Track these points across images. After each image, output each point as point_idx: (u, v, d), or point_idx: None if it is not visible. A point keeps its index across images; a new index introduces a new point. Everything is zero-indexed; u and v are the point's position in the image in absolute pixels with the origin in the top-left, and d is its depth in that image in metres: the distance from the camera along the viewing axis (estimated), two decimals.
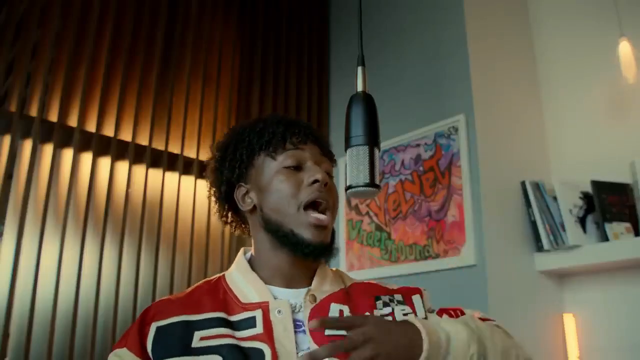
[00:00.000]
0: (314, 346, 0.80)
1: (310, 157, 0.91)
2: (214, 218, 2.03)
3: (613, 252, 1.70)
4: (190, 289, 0.92)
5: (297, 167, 0.90)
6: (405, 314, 0.89)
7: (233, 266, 0.94)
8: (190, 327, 0.81)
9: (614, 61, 1.83)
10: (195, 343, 0.80)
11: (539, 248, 1.84)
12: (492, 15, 2.11)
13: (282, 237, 0.87)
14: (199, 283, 0.93)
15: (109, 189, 1.77)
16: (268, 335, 0.81)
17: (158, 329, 0.82)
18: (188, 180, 2.01)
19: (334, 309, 0.86)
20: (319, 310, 0.85)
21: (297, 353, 0.80)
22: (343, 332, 0.80)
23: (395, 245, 1.98)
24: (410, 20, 2.20)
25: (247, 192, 0.93)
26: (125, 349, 0.81)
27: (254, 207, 0.92)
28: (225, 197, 0.96)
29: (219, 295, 0.88)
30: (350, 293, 0.91)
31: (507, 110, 2.01)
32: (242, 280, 0.90)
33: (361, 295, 0.92)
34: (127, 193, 1.81)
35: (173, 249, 1.88)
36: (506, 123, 1.98)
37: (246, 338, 0.81)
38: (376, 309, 0.89)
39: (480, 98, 1.89)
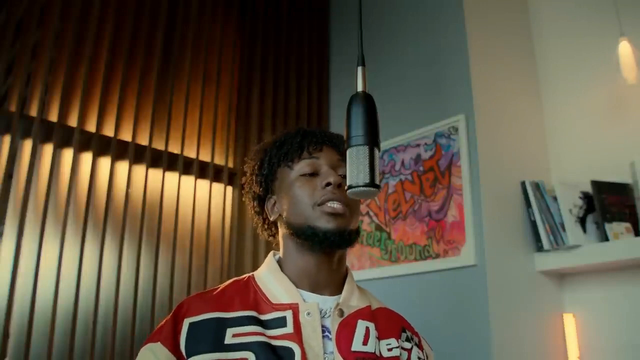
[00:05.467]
0: (338, 356, 0.84)
1: (326, 162, 0.95)
2: (214, 218, 2.05)
3: (613, 252, 1.70)
4: (221, 287, 0.94)
5: (313, 174, 0.94)
6: (419, 358, 0.93)
7: (263, 267, 0.97)
8: (222, 324, 0.84)
9: (614, 61, 1.83)
10: (228, 340, 0.82)
11: (539, 248, 1.84)
12: (493, 15, 2.11)
13: (302, 235, 0.90)
14: (228, 282, 0.96)
15: (109, 189, 1.77)
16: (298, 335, 0.84)
17: (191, 324, 0.84)
18: (188, 180, 2.01)
19: (361, 326, 0.89)
20: (346, 326, 0.88)
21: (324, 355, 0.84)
22: (369, 350, 0.85)
23: (395, 245, 1.98)
24: (410, 20, 2.20)
25: (274, 203, 0.98)
26: (159, 343, 0.83)
27: (280, 216, 0.97)
28: (261, 211, 1.02)
29: (249, 294, 0.91)
30: (376, 314, 0.94)
31: (507, 110, 2.01)
32: (272, 281, 0.93)
33: (389, 320, 0.95)
34: (127, 193, 1.81)
35: (173, 249, 1.88)
36: (506, 123, 1.98)
37: (277, 337, 0.84)
38: (400, 339, 0.92)
39: (481, 98, 1.89)
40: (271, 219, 0.99)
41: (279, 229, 0.99)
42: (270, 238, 1.04)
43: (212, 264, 1.99)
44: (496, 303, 1.68)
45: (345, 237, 0.90)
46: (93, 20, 1.85)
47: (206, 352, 0.80)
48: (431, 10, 2.12)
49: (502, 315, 1.69)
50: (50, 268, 1.60)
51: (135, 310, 1.73)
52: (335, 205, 0.89)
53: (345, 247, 0.93)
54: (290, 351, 0.82)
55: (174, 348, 0.82)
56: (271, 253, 1.00)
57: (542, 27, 2.22)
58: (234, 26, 2.31)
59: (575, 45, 2.10)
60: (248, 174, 1.03)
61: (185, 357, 0.81)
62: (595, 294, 1.85)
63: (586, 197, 1.85)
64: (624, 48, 1.81)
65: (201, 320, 0.84)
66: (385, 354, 0.88)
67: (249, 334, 0.83)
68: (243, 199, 1.07)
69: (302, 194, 0.92)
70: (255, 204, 1.02)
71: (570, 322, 1.86)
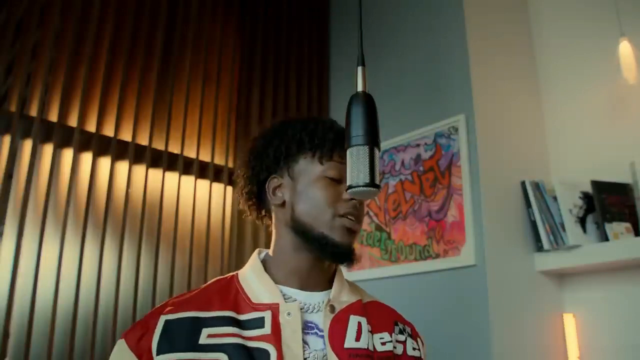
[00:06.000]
0: (331, 353, 0.83)
1: None
2: (214, 218, 2.04)
3: (613, 252, 1.70)
4: (203, 286, 0.92)
5: (338, 180, 0.90)
6: (414, 349, 0.93)
7: (247, 266, 0.95)
8: (198, 324, 0.83)
9: (614, 61, 1.83)
10: (203, 340, 0.81)
11: (539, 248, 1.84)
12: (492, 15, 2.11)
13: (310, 238, 0.88)
14: (211, 281, 0.94)
15: (109, 189, 1.77)
16: (275, 336, 0.82)
17: (167, 322, 0.83)
18: (188, 180, 2.01)
19: (353, 321, 0.88)
20: (338, 322, 0.87)
21: (307, 353, 0.82)
22: (362, 346, 0.84)
23: (395, 245, 1.98)
24: (410, 20, 2.20)
25: (279, 186, 0.93)
26: (123, 340, 0.83)
27: (283, 203, 0.92)
28: (257, 184, 0.96)
29: (230, 294, 0.89)
30: (368, 308, 0.93)
31: (507, 110, 2.01)
32: (254, 280, 0.91)
33: (381, 314, 0.94)
34: (127, 193, 1.81)
35: (173, 249, 1.88)
36: (506, 123, 1.98)
37: (253, 338, 0.82)
38: (394, 332, 0.92)
39: (480, 98, 1.89)
40: (272, 202, 0.93)
41: (275, 215, 0.94)
42: (251, 214, 0.99)
43: (212, 264, 1.99)
44: (496, 303, 1.68)
45: (351, 254, 0.90)
46: (93, 20, 1.85)
47: (177, 351, 0.79)
48: (431, 10, 2.12)
49: (502, 315, 1.69)
50: (50, 268, 1.60)
51: (135, 310, 1.73)
52: (354, 221, 0.89)
53: (348, 264, 0.90)
54: (265, 353, 0.80)
55: (136, 347, 0.81)
56: (256, 251, 0.97)
57: (542, 27, 2.22)
58: (234, 26, 2.31)
59: (575, 45, 2.10)
60: (261, 142, 0.96)
61: (153, 354, 0.79)
62: (595, 294, 1.85)
63: (586, 197, 1.85)
64: (624, 48, 1.81)
65: (177, 319, 0.83)
66: (379, 348, 0.88)
67: (225, 335, 0.81)
68: (239, 164, 1.00)
69: (324, 197, 0.88)
70: (260, 176, 0.94)
71: (570, 322, 1.86)
